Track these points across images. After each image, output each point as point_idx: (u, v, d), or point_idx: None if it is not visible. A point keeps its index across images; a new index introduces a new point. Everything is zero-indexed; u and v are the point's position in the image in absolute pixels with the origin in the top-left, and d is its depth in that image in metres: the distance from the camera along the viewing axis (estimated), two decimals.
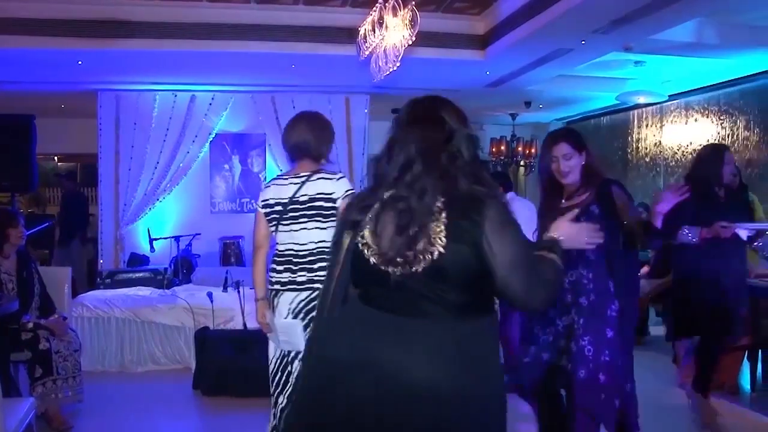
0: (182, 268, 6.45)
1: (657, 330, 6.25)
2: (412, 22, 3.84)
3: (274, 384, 2.94)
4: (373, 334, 1.62)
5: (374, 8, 4.25)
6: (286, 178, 2.95)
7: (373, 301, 1.66)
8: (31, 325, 3.87)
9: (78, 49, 5.43)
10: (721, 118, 7.04)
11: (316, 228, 2.85)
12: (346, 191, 2.84)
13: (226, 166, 7.88)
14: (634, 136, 8.66)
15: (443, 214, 1.58)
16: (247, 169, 7.91)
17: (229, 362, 4.53)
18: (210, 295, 5.25)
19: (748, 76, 6.50)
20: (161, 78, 6.83)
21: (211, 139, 7.60)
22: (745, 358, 4.62)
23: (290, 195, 2.87)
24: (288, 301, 2.87)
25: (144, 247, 7.16)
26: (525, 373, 2.76)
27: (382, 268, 1.63)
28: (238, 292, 4.99)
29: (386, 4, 4.04)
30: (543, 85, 7.11)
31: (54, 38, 5.30)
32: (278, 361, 2.94)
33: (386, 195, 1.66)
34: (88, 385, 4.18)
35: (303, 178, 2.88)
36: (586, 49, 5.51)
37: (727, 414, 3.80)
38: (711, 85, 7.06)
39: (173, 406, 4.42)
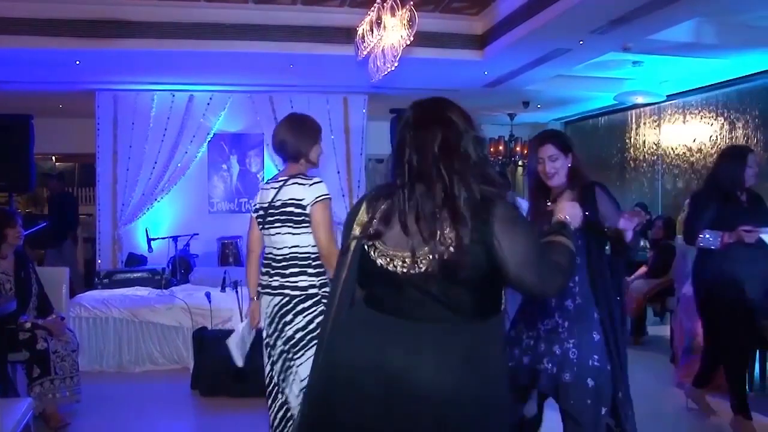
0: (180, 268, 6.44)
1: (655, 330, 6.26)
2: (411, 22, 3.84)
3: (271, 385, 2.96)
4: (381, 337, 1.62)
5: (372, 8, 4.25)
6: (271, 182, 2.95)
7: (380, 303, 1.66)
8: (28, 325, 3.87)
9: (76, 48, 5.42)
10: (719, 118, 7.05)
11: (288, 234, 2.83)
12: (317, 198, 2.78)
13: (224, 166, 7.87)
14: (631, 136, 8.67)
15: (453, 215, 1.58)
16: (245, 169, 7.90)
17: (227, 362, 4.49)
18: (208, 295, 5.24)
19: (746, 76, 6.51)
20: (159, 78, 6.83)
21: (209, 139, 7.59)
22: None
23: (269, 199, 2.87)
24: (265, 304, 2.90)
25: (142, 247, 7.14)
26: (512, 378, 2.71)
27: (389, 269, 1.63)
28: (236, 292, 4.97)
29: (384, 4, 4.04)
30: (541, 85, 7.12)
31: (52, 38, 5.29)
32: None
33: (395, 196, 1.66)
34: (86, 385, 4.17)
35: (281, 183, 2.87)
36: (585, 49, 5.51)
37: (726, 414, 3.80)
38: (709, 85, 7.07)
39: (171, 406, 4.41)
